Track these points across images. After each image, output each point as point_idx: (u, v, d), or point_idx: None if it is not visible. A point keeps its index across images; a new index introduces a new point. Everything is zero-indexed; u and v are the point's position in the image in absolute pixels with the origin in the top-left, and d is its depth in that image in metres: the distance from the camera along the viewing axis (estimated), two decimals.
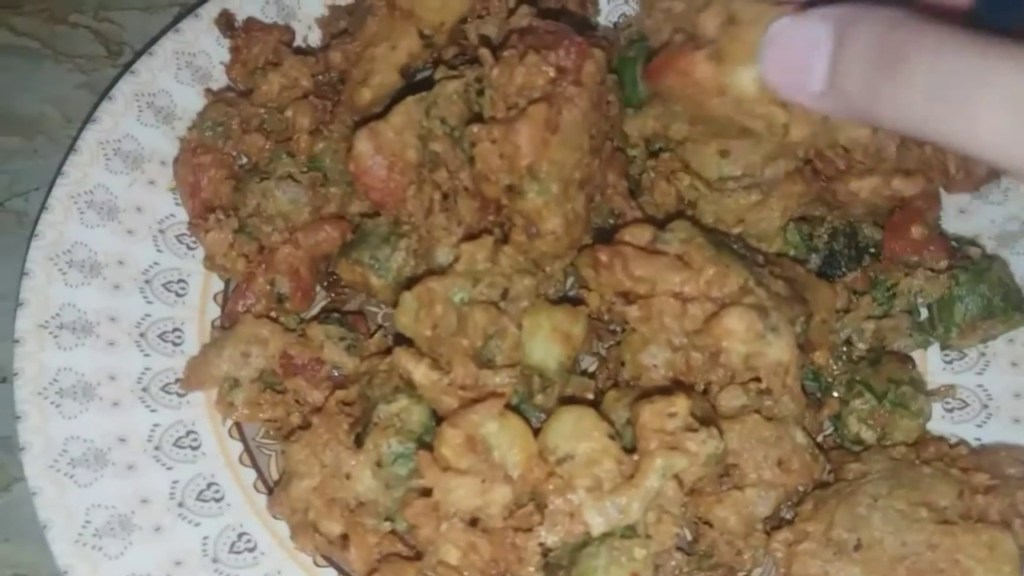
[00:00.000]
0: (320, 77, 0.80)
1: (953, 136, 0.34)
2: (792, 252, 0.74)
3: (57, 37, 0.95)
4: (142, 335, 0.73)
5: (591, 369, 0.73)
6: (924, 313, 0.75)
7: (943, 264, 0.73)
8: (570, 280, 0.74)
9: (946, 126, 0.34)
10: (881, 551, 0.59)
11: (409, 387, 0.64)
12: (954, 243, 0.76)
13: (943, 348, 0.74)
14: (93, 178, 0.76)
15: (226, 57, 0.83)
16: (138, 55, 0.87)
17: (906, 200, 0.75)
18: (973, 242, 0.77)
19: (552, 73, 0.59)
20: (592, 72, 0.61)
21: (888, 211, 0.75)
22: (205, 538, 0.66)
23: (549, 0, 0.81)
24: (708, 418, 0.61)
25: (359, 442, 0.63)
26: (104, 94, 0.81)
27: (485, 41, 0.69)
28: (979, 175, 0.77)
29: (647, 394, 0.61)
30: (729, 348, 0.61)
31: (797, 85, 0.40)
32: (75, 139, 0.78)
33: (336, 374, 0.70)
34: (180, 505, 0.67)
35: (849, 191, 0.72)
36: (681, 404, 0.58)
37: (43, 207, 0.74)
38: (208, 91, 0.81)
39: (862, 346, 0.72)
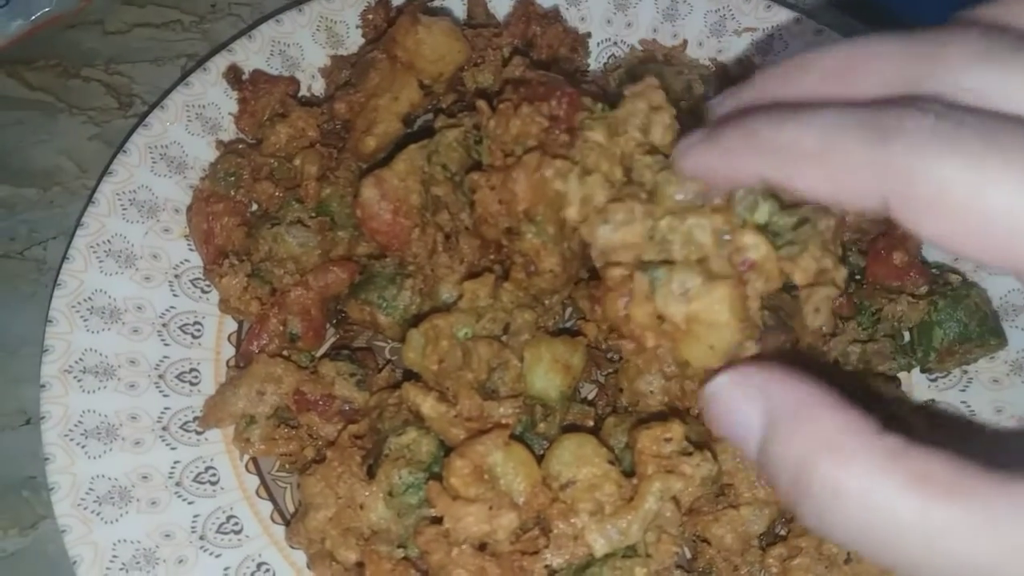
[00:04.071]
0: (325, 126, 0.84)
1: (899, 572, 0.33)
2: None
3: (70, 90, 0.99)
4: (161, 376, 0.76)
5: (591, 397, 0.76)
6: (907, 336, 0.78)
7: (923, 290, 0.76)
8: (568, 312, 0.77)
9: (889, 564, 0.33)
10: (870, 563, 0.62)
11: (418, 420, 0.67)
12: (935, 270, 0.79)
13: (923, 371, 0.77)
14: (111, 228, 0.80)
15: (234, 108, 0.86)
16: (150, 107, 0.91)
17: (889, 227, 0.78)
18: (953, 269, 0.81)
19: (545, 123, 0.63)
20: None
21: (871, 239, 0.79)
22: (226, 569, 0.68)
23: (541, 49, 0.85)
24: (702, 442, 0.64)
25: (371, 473, 0.66)
26: (119, 147, 0.84)
27: (481, 93, 0.73)
28: None
29: (644, 420, 0.64)
30: None
31: (738, 443, 0.39)
32: (92, 191, 0.82)
33: (347, 408, 0.72)
34: (202, 538, 0.69)
35: None
36: (676, 430, 0.61)
37: (64, 257, 0.78)
38: (219, 143, 0.85)
39: (848, 368, 0.75)
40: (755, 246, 0.40)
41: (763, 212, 0.40)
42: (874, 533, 0.32)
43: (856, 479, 0.32)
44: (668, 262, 0.41)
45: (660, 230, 0.42)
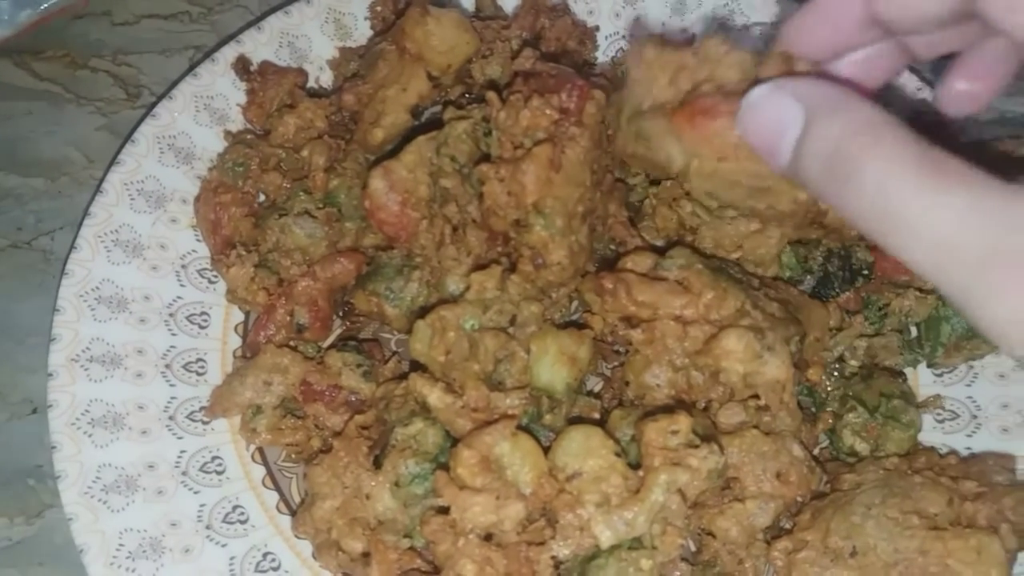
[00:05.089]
0: (333, 117, 0.83)
1: (893, 249, 0.37)
2: (788, 274, 0.76)
3: (78, 81, 0.99)
4: (167, 366, 0.76)
5: (597, 389, 0.76)
6: (915, 332, 0.78)
7: (931, 285, 0.76)
8: (574, 305, 0.77)
9: (887, 240, 0.37)
10: (875, 557, 0.62)
11: (424, 410, 0.67)
12: None
13: (930, 366, 0.77)
14: (118, 218, 0.80)
15: (242, 99, 0.87)
16: (158, 98, 0.91)
17: None
18: None
19: (555, 115, 0.62)
20: (593, 112, 0.65)
21: None
22: (232, 558, 0.68)
23: (550, 42, 0.85)
24: (709, 434, 0.64)
25: (378, 464, 0.66)
26: (127, 137, 0.84)
27: (491, 84, 0.73)
28: None
29: (651, 413, 0.64)
30: (728, 367, 0.64)
31: (768, 153, 0.42)
32: (100, 181, 0.82)
33: (354, 399, 0.72)
34: (208, 527, 0.70)
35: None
36: (683, 422, 0.61)
37: (72, 246, 0.78)
38: (227, 133, 0.85)
39: (854, 363, 0.75)
40: None
41: None
42: (885, 210, 0.36)
43: (881, 160, 0.36)
44: None
45: None
